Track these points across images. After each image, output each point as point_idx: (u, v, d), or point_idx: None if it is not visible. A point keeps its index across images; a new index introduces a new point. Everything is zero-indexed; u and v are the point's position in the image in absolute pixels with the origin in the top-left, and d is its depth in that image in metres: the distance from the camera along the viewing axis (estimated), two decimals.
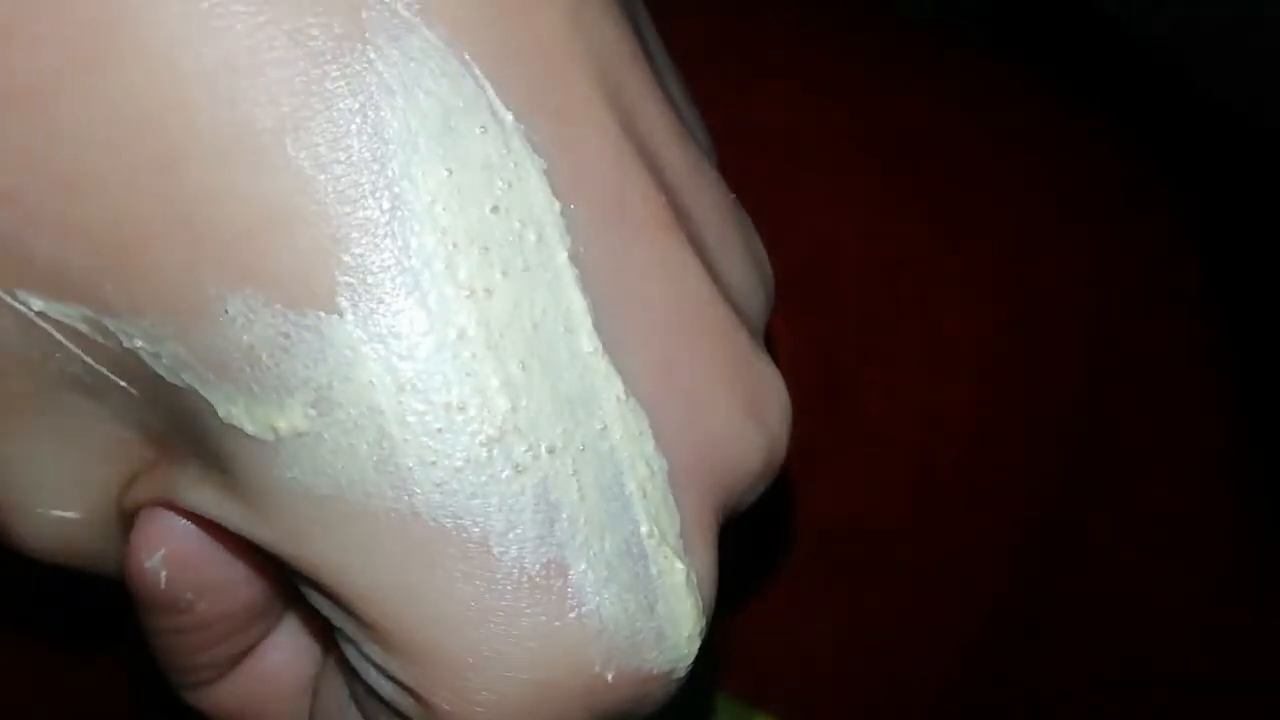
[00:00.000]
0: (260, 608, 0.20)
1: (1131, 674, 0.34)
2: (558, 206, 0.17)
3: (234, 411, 0.17)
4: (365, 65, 0.16)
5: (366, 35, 0.16)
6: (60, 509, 0.20)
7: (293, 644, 0.21)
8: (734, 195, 0.20)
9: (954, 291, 0.33)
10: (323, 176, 0.16)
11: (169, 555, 0.19)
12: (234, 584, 0.20)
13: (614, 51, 0.18)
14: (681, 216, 0.18)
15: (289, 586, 0.21)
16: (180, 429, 0.18)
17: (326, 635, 0.21)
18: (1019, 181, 0.35)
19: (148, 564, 0.19)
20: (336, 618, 0.18)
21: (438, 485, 0.16)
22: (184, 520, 0.19)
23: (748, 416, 0.18)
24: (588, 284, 0.17)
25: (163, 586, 0.19)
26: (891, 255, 0.33)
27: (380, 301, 0.16)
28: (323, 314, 0.16)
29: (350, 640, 0.18)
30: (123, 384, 0.18)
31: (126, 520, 0.20)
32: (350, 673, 0.19)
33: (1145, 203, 0.35)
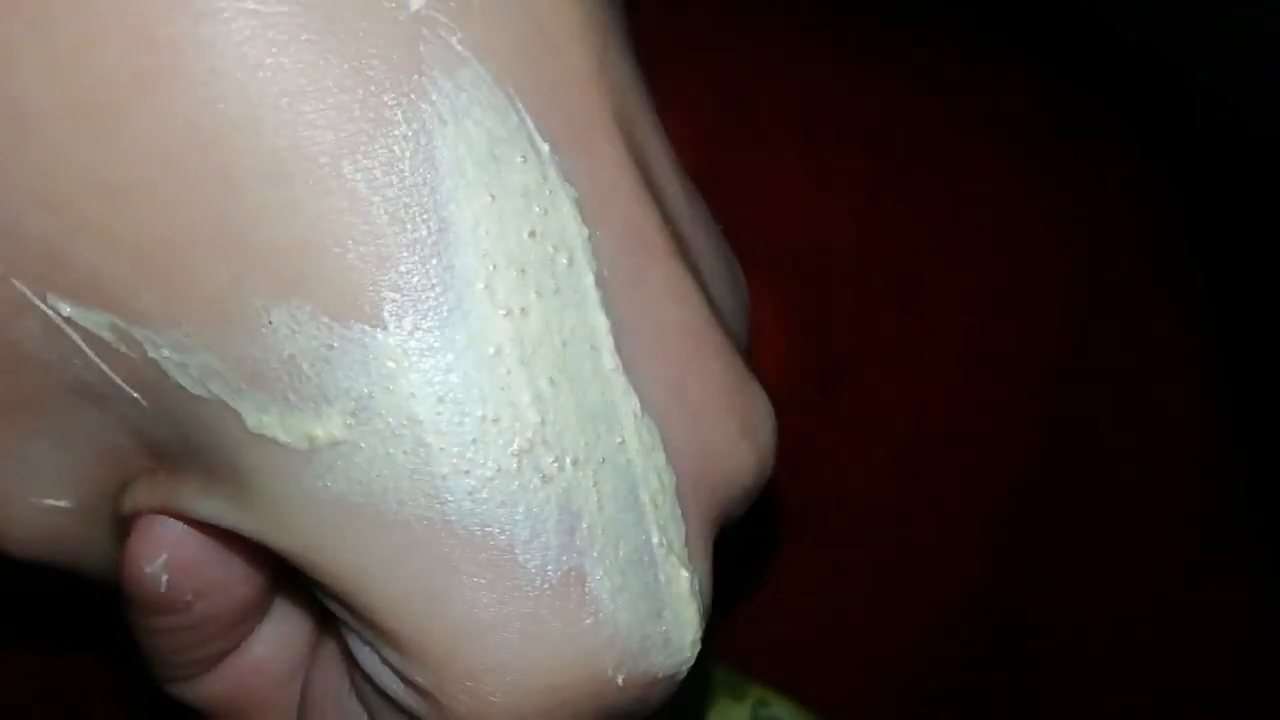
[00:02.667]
0: (254, 605, 0.21)
1: (1110, 653, 0.36)
2: (586, 233, 0.18)
3: (266, 420, 0.17)
4: (420, 95, 0.17)
5: (423, 67, 0.17)
6: (52, 498, 0.20)
7: (281, 633, 0.21)
8: (720, 226, 0.22)
9: (944, 277, 0.34)
10: (376, 198, 0.17)
11: (170, 560, 0.20)
12: (232, 584, 0.20)
13: (629, 91, 0.19)
14: (682, 245, 0.20)
15: (280, 575, 0.21)
16: (187, 441, 0.18)
17: (318, 623, 0.22)
18: (1010, 171, 0.36)
19: (148, 569, 0.20)
20: (354, 623, 0.18)
21: (469, 493, 0.17)
22: (184, 525, 0.20)
23: (743, 435, 0.19)
24: (610, 306, 0.18)
25: (162, 590, 0.20)
26: (882, 241, 0.34)
27: (424, 317, 0.17)
28: (368, 327, 0.17)
29: (366, 643, 0.19)
30: (134, 394, 0.18)
31: (123, 523, 0.20)
32: (354, 667, 0.19)
33: (1136, 195, 0.37)
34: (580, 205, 0.18)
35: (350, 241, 0.17)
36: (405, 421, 0.17)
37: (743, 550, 0.32)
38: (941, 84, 0.36)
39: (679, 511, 0.19)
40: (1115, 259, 0.36)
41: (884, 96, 0.35)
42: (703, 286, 0.20)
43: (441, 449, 0.17)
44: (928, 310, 0.34)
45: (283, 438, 0.17)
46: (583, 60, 0.18)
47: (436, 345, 0.17)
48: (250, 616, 0.21)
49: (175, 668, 0.21)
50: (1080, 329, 0.35)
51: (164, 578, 0.20)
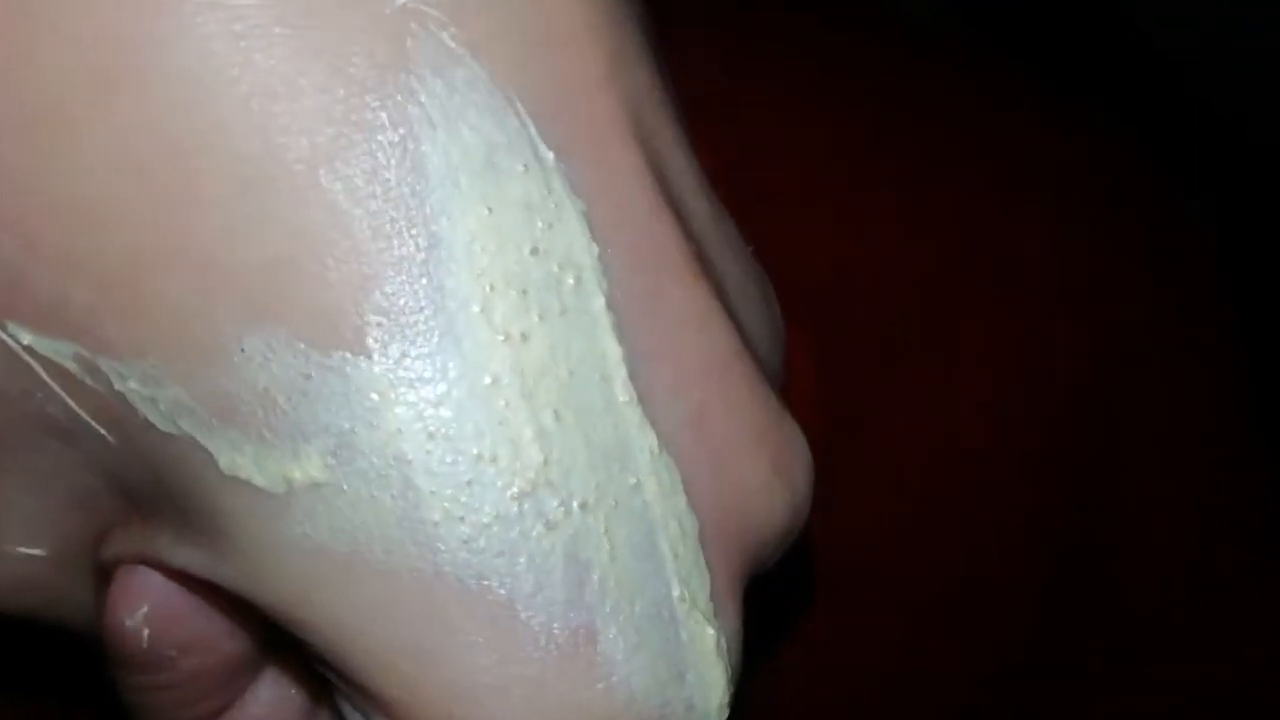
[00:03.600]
0: (243, 662, 0.19)
1: (1147, 699, 0.34)
2: (596, 250, 0.16)
3: (239, 461, 0.16)
4: (407, 96, 0.15)
5: (410, 65, 0.15)
6: (28, 546, 0.18)
7: (275, 696, 0.20)
8: (751, 247, 0.20)
9: (971, 321, 0.33)
10: (357, 210, 0.15)
11: (151, 613, 0.18)
12: (217, 639, 0.18)
13: (647, 98, 0.17)
14: (706, 266, 0.18)
15: (274, 636, 0.19)
16: (162, 483, 0.17)
17: (313, 686, 0.20)
18: (1042, 215, 0.35)
19: (129, 622, 0.18)
20: (342, 684, 0.17)
21: (464, 542, 0.15)
22: (163, 576, 0.18)
23: (775, 474, 0.17)
24: (623, 331, 0.16)
25: (144, 645, 0.18)
26: (909, 284, 0.33)
27: (412, 344, 0.15)
28: (349, 355, 0.15)
29: (356, 708, 0.17)
30: (102, 431, 0.17)
31: (103, 575, 0.18)
32: None
33: (1158, 218, 0.36)
34: (590, 220, 0.16)
35: (330, 260, 0.15)
36: (391, 461, 0.15)
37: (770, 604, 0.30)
38: (971, 124, 0.35)
39: (703, 561, 0.17)
40: (1138, 283, 0.35)
41: (913, 137, 0.34)
42: (730, 311, 0.18)
43: (432, 492, 0.15)
44: (955, 354, 0.33)
45: (258, 480, 0.15)
46: (594, 61, 0.16)
47: (426, 375, 0.15)
48: (241, 675, 0.19)
49: None
50: (1110, 375, 0.34)
51: (145, 631, 0.18)
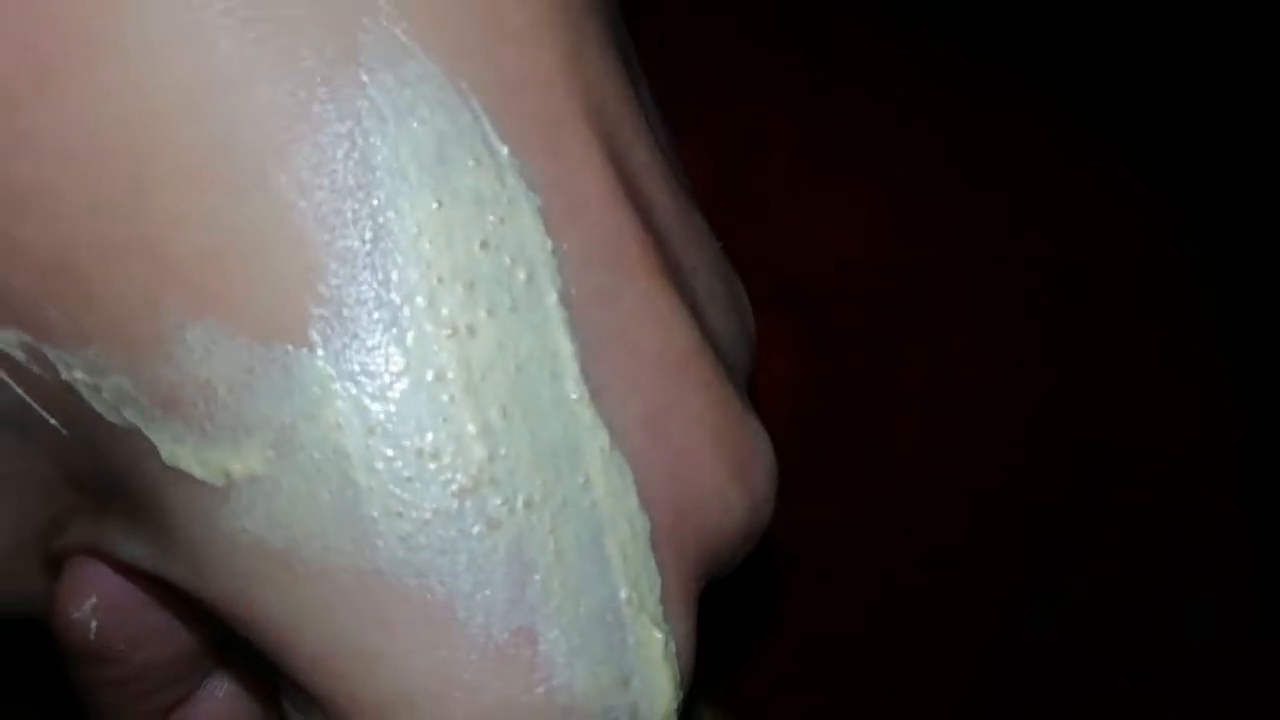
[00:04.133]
0: (196, 656, 0.19)
1: (1127, 690, 0.34)
2: (550, 245, 0.16)
3: (180, 452, 0.15)
4: (357, 89, 0.15)
5: (360, 59, 0.15)
6: None
7: (232, 690, 0.20)
8: (720, 244, 0.19)
9: (956, 313, 0.33)
10: (303, 202, 0.15)
11: (99, 605, 0.18)
12: (168, 633, 0.18)
13: (610, 93, 0.17)
14: (670, 264, 0.17)
15: (226, 633, 0.19)
16: (111, 475, 0.16)
17: (267, 684, 0.20)
18: (1026, 205, 0.34)
19: (76, 614, 0.18)
20: (284, 683, 0.16)
21: (402, 539, 0.15)
22: (111, 568, 0.18)
23: (733, 477, 0.17)
24: (576, 327, 0.16)
25: (92, 637, 0.18)
26: (901, 276, 0.33)
27: (354, 336, 0.15)
28: (291, 347, 0.15)
29: (298, 709, 0.17)
30: (53, 421, 0.16)
31: (53, 566, 0.18)
32: None
33: (1157, 228, 0.36)
34: (544, 214, 0.16)
35: (273, 252, 0.15)
36: (331, 455, 0.15)
37: (741, 593, 0.30)
38: (964, 123, 0.35)
39: (653, 563, 0.16)
40: (1135, 296, 0.34)
41: (904, 134, 0.34)
42: (695, 309, 0.17)
43: (371, 487, 0.15)
44: (941, 346, 0.33)
45: (198, 472, 0.15)
46: (551, 55, 0.16)
47: (369, 368, 0.15)
48: (195, 669, 0.19)
49: None
50: (1095, 367, 0.33)
51: (93, 624, 0.18)
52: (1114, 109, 0.37)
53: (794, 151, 0.33)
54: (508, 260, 0.16)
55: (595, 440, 0.16)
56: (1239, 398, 0.35)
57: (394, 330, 0.15)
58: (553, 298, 0.16)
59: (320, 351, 0.15)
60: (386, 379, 0.15)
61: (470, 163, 0.15)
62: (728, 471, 0.17)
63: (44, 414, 0.16)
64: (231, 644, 0.19)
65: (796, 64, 0.35)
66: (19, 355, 0.16)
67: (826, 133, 0.33)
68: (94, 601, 0.18)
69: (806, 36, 0.35)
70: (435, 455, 0.15)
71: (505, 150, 0.16)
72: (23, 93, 0.14)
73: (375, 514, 0.15)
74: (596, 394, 0.16)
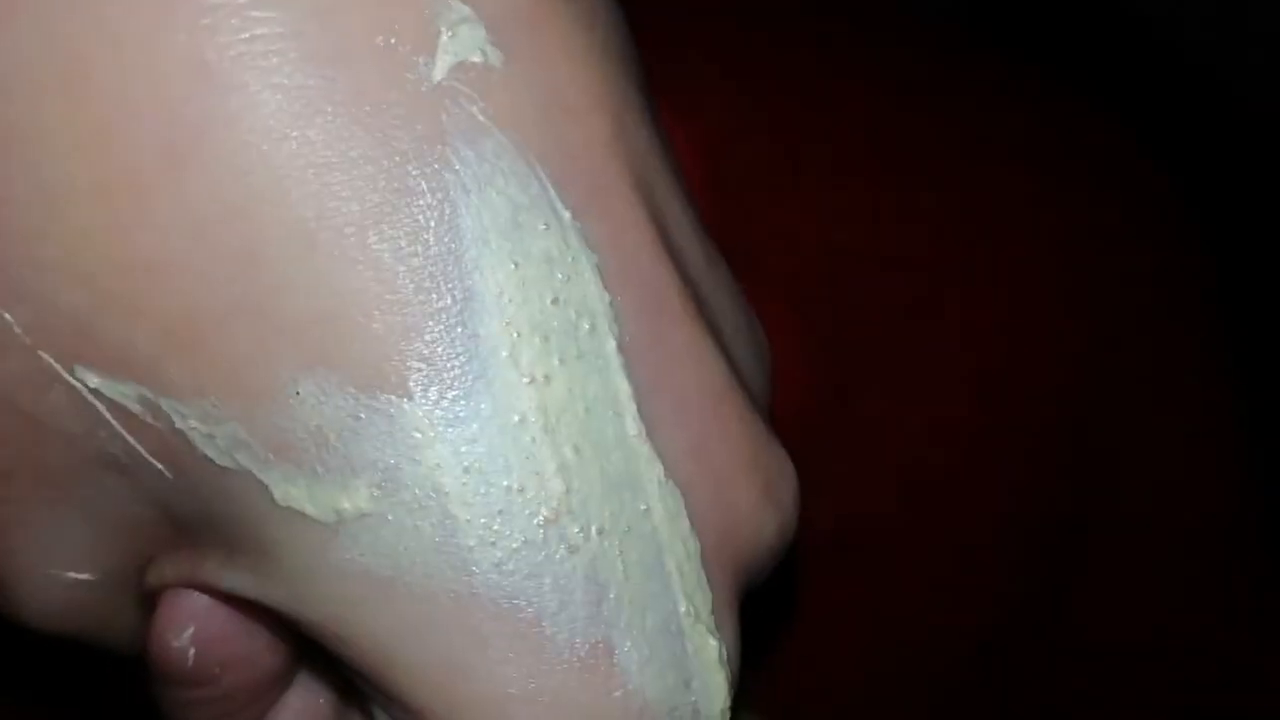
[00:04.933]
0: (279, 675, 0.20)
1: (1131, 675, 0.35)
2: (608, 298, 0.18)
3: (293, 493, 0.17)
4: (444, 165, 0.17)
5: (446, 137, 0.17)
6: (75, 571, 0.20)
7: (305, 703, 0.21)
8: (741, 285, 0.22)
9: (959, 301, 0.34)
10: (401, 267, 0.17)
11: (197, 634, 0.19)
12: (257, 656, 0.20)
13: (648, 156, 0.19)
14: (702, 306, 0.19)
15: (304, 647, 0.21)
16: (211, 513, 0.18)
17: (339, 693, 0.21)
18: (1029, 193, 0.35)
19: (176, 643, 0.19)
20: (380, 698, 0.18)
21: (496, 565, 0.17)
22: (209, 598, 0.19)
23: (766, 497, 0.19)
24: (632, 371, 0.18)
25: (190, 664, 0.19)
26: (899, 261, 0.34)
27: (449, 387, 0.17)
28: (394, 397, 0.17)
29: (391, 718, 0.18)
30: (160, 466, 0.18)
31: (148, 598, 0.20)
32: None
33: (1156, 216, 0.37)
34: (602, 271, 0.18)
35: (376, 312, 0.17)
36: (431, 493, 0.17)
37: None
38: (960, 106, 0.36)
39: (704, 578, 0.19)
40: (1131, 265, 0.35)
41: (901, 118, 0.35)
42: (723, 347, 0.20)
43: (468, 520, 0.17)
44: (942, 333, 0.34)
45: (310, 510, 0.17)
46: (602, 127, 0.18)
47: (462, 415, 0.17)
48: (276, 686, 0.21)
49: None
50: (1097, 351, 0.35)
51: (191, 651, 0.19)
52: (1116, 101, 0.38)
53: (792, 140, 0.34)
54: (573, 314, 0.18)
55: (653, 471, 0.18)
56: (1243, 386, 0.36)
57: (483, 380, 0.17)
58: (611, 345, 0.18)
59: (420, 400, 0.17)
60: (478, 425, 0.17)
61: (541, 227, 0.17)
62: (761, 493, 0.19)
63: (153, 460, 0.18)
64: (309, 653, 0.21)
65: (800, 55, 0.35)
66: (135, 408, 0.17)
67: (826, 121, 0.34)
68: (192, 631, 0.19)
69: (806, 23, 0.36)
70: (522, 490, 0.17)
71: (568, 215, 0.18)
72: (153, 179, 0.16)
73: (472, 544, 0.17)
74: (651, 430, 0.18)
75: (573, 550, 0.17)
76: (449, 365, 0.17)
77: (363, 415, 0.17)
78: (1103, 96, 0.38)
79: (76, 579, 0.20)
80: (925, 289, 0.34)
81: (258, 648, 0.20)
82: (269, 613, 0.20)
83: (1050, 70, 0.38)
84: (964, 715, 0.35)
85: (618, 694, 0.18)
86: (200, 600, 0.19)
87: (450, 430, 0.17)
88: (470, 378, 0.17)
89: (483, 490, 0.17)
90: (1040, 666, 0.36)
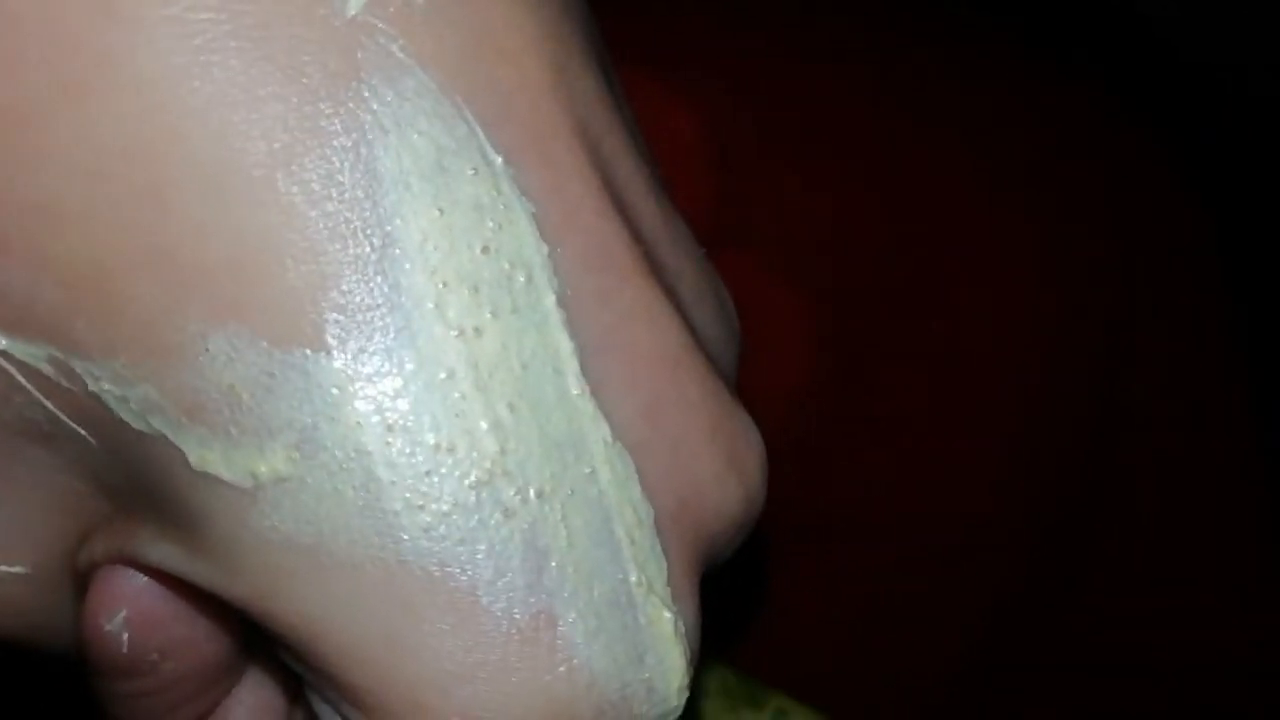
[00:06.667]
0: (224, 665, 0.19)
1: (1135, 661, 0.34)
2: (545, 250, 0.17)
3: (209, 457, 0.16)
4: (359, 104, 0.16)
5: (361, 75, 0.16)
6: (8, 564, 0.19)
7: (256, 699, 0.20)
8: (703, 249, 0.20)
9: (970, 283, 0.33)
10: (314, 212, 0.16)
11: (131, 616, 0.18)
12: (198, 642, 0.19)
13: (595, 107, 0.18)
14: (657, 268, 0.18)
15: (252, 639, 0.20)
16: (140, 481, 0.17)
17: (292, 688, 0.20)
18: (1040, 163, 0.35)
19: (108, 626, 0.18)
20: (312, 678, 0.17)
21: (425, 530, 0.16)
22: (144, 578, 0.18)
23: (729, 466, 0.18)
24: (574, 327, 0.17)
25: (125, 650, 0.18)
26: (913, 237, 0.33)
27: (369, 340, 0.16)
28: (309, 351, 0.16)
29: (326, 701, 0.17)
30: (82, 432, 0.17)
31: (81, 581, 0.19)
32: None
33: (1169, 206, 0.36)
34: (539, 220, 0.17)
35: (289, 260, 0.16)
36: (353, 453, 0.16)
37: (751, 557, 0.30)
38: (969, 77, 0.35)
39: (659, 547, 0.17)
40: (1148, 248, 0.35)
41: (911, 88, 0.34)
42: (682, 311, 0.18)
43: (392, 482, 0.16)
44: (949, 314, 0.33)
45: (226, 475, 0.16)
46: (539, 70, 0.17)
47: (383, 369, 0.16)
48: (221, 680, 0.20)
49: None
50: (1108, 339, 0.34)
51: (125, 635, 0.18)
52: (1118, 93, 0.38)
53: (796, 123, 0.33)
54: (507, 265, 0.16)
55: (598, 432, 0.17)
56: (1254, 371, 0.35)
57: (406, 333, 0.16)
58: (550, 299, 0.17)
59: (337, 354, 0.16)
60: (401, 380, 0.16)
61: (469, 172, 0.16)
62: (724, 460, 0.18)
63: (73, 425, 0.17)
64: (258, 646, 0.20)
65: (810, 34, 0.35)
66: (47, 369, 0.17)
67: (831, 101, 0.33)
68: (125, 613, 0.18)
69: (823, 8, 0.36)
70: (451, 449, 0.16)
71: (500, 160, 0.17)
72: (49, 111, 0.15)
73: (398, 507, 0.16)
74: (596, 389, 0.17)
75: (509, 514, 0.16)
76: (369, 317, 0.16)
77: (276, 372, 0.16)
78: (1104, 82, 0.38)
79: (9, 573, 0.19)
80: (932, 270, 0.33)
81: (198, 633, 0.19)
82: (204, 593, 0.19)
83: (1056, 55, 0.38)
84: (965, 699, 0.34)
85: (562, 668, 0.16)
86: (135, 579, 0.18)
87: (371, 386, 0.16)
88: (392, 330, 0.16)
89: (408, 450, 0.16)
90: (1044, 639, 0.34)
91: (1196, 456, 0.35)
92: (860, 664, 0.33)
